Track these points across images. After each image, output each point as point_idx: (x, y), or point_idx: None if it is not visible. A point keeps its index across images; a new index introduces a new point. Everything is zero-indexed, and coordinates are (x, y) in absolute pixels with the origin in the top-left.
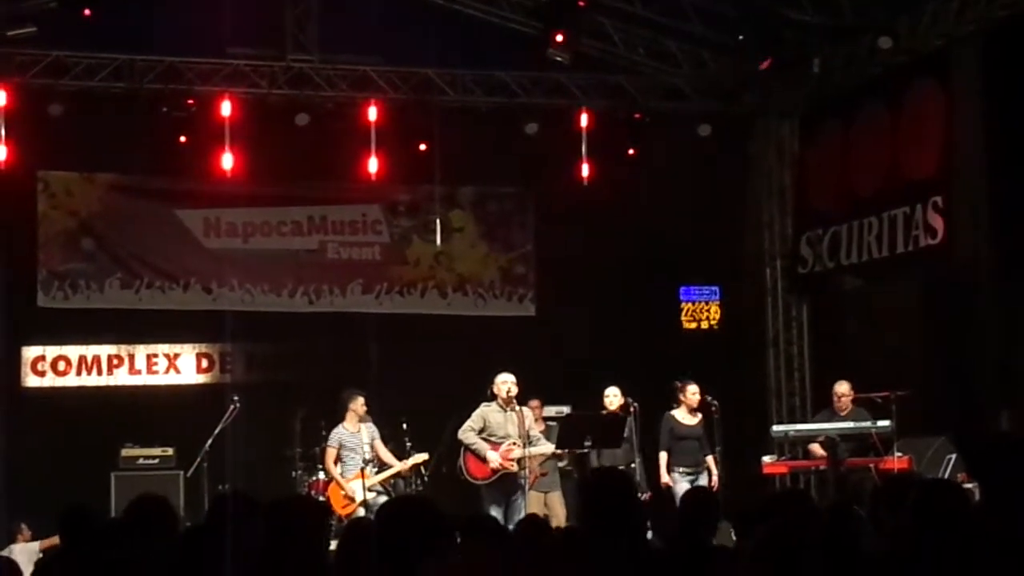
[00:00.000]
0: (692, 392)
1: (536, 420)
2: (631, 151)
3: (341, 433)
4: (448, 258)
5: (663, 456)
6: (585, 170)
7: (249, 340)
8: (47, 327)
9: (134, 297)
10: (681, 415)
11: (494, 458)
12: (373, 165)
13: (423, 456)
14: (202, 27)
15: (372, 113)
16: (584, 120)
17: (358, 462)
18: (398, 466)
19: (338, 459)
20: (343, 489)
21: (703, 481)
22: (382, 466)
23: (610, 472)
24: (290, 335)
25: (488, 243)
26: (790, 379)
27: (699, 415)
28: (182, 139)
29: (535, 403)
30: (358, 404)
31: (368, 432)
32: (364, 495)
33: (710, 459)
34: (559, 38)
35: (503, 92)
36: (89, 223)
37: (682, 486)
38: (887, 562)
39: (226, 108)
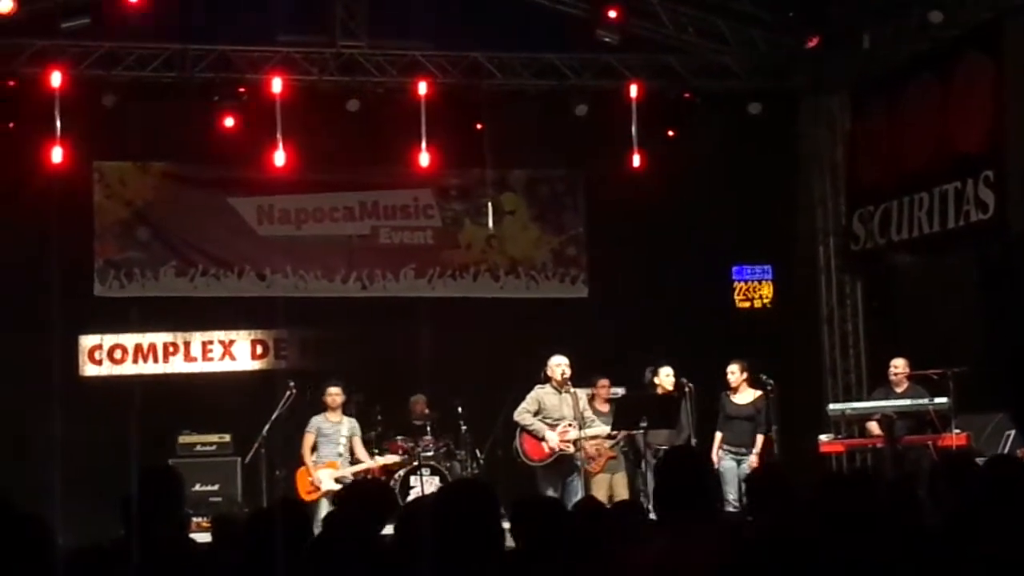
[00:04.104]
0: (730, 371)
1: (604, 400)
2: (671, 132)
3: (319, 421)
4: (500, 241)
5: (717, 436)
6: (635, 151)
7: (303, 326)
8: (104, 316)
9: (189, 285)
10: (732, 395)
11: (552, 438)
12: (424, 150)
13: (394, 458)
14: (252, 15)
15: (422, 98)
16: (634, 101)
17: (332, 451)
18: (367, 464)
19: (316, 446)
20: (310, 475)
21: (749, 462)
22: (353, 462)
23: (685, 451)
24: (343, 320)
25: (540, 225)
26: (845, 357)
27: (754, 394)
28: (230, 125)
29: (604, 382)
30: (327, 394)
31: (349, 426)
32: (331, 485)
33: (759, 438)
34: (612, 14)
35: (552, 74)
36: (144, 212)
37: (725, 464)
38: (949, 537)
39: (277, 95)
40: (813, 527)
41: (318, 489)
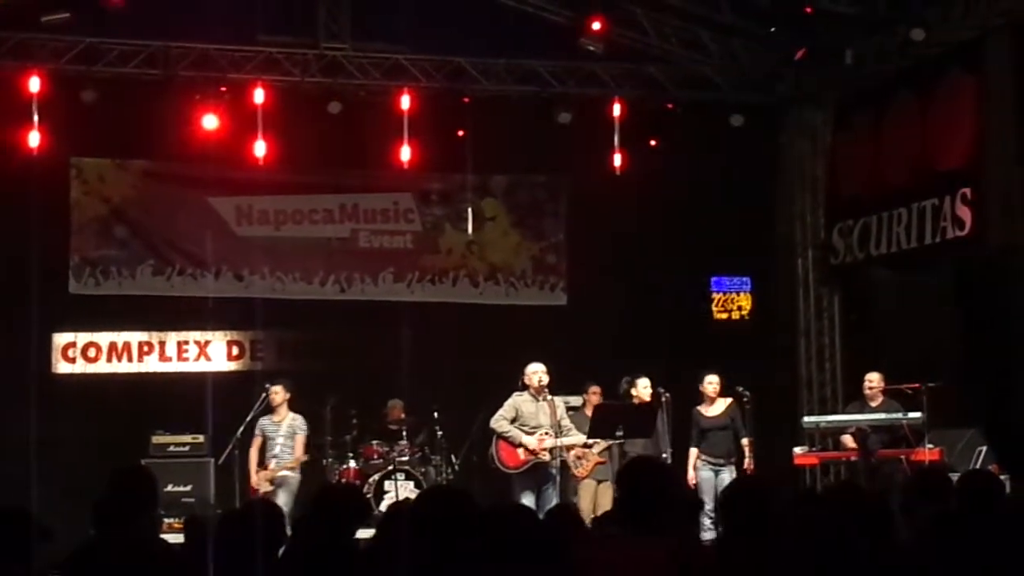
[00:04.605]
0: (707, 382)
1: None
2: (653, 142)
3: (264, 422)
4: (480, 247)
5: (692, 452)
6: (617, 160)
7: (280, 328)
8: (78, 314)
9: (165, 284)
10: (704, 408)
11: (531, 441)
12: (405, 153)
13: (303, 458)
14: (235, 14)
15: (404, 101)
16: (616, 110)
17: (268, 453)
18: (287, 461)
19: (265, 448)
20: (250, 479)
21: (727, 473)
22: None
23: (647, 461)
24: (321, 323)
25: (520, 232)
26: (821, 370)
27: (725, 402)
28: (211, 125)
29: (595, 389)
30: (271, 392)
31: (288, 425)
32: (266, 487)
33: (745, 444)
34: (596, 25)
35: (536, 81)
36: (121, 210)
37: (703, 475)
38: (922, 551)
39: (259, 96)
40: (786, 539)
41: (257, 493)
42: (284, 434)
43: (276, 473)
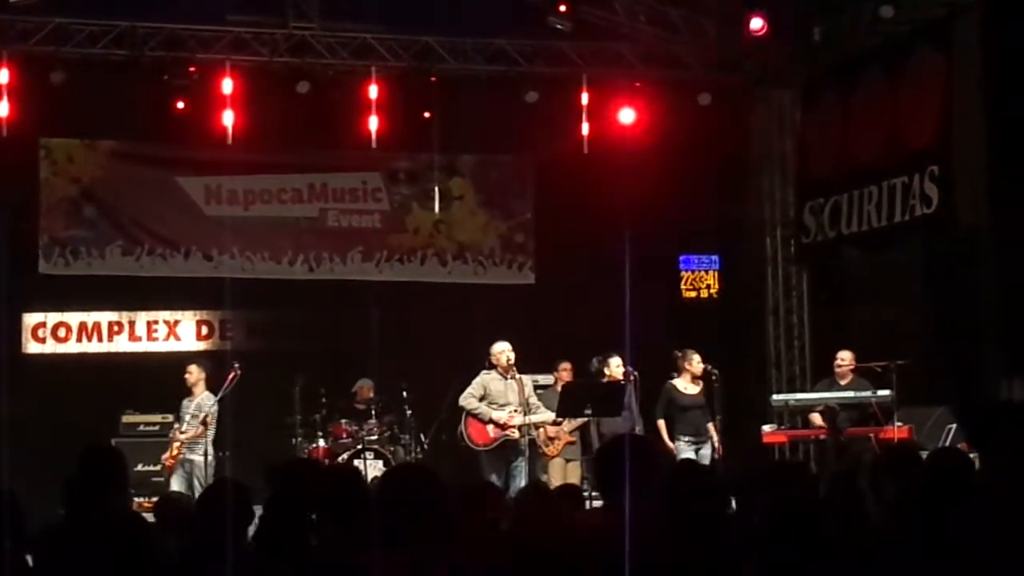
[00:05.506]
0: (697, 361)
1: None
2: (621, 120)
3: (183, 403)
4: (448, 226)
5: (661, 424)
6: (585, 138)
7: (249, 307)
8: (48, 294)
9: (135, 264)
10: (683, 384)
11: (501, 415)
12: (373, 133)
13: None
14: None
15: (373, 81)
16: (584, 88)
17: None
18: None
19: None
20: None
21: (707, 451)
22: None
23: (627, 437)
24: (290, 303)
25: (488, 211)
26: (790, 348)
27: (700, 383)
28: (180, 105)
29: (566, 366)
30: (185, 372)
31: (197, 405)
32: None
33: (710, 426)
34: (562, 8)
35: (504, 60)
36: (91, 190)
37: (687, 455)
38: (891, 529)
39: (227, 76)
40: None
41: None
42: (191, 413)
43: (179, 454)
